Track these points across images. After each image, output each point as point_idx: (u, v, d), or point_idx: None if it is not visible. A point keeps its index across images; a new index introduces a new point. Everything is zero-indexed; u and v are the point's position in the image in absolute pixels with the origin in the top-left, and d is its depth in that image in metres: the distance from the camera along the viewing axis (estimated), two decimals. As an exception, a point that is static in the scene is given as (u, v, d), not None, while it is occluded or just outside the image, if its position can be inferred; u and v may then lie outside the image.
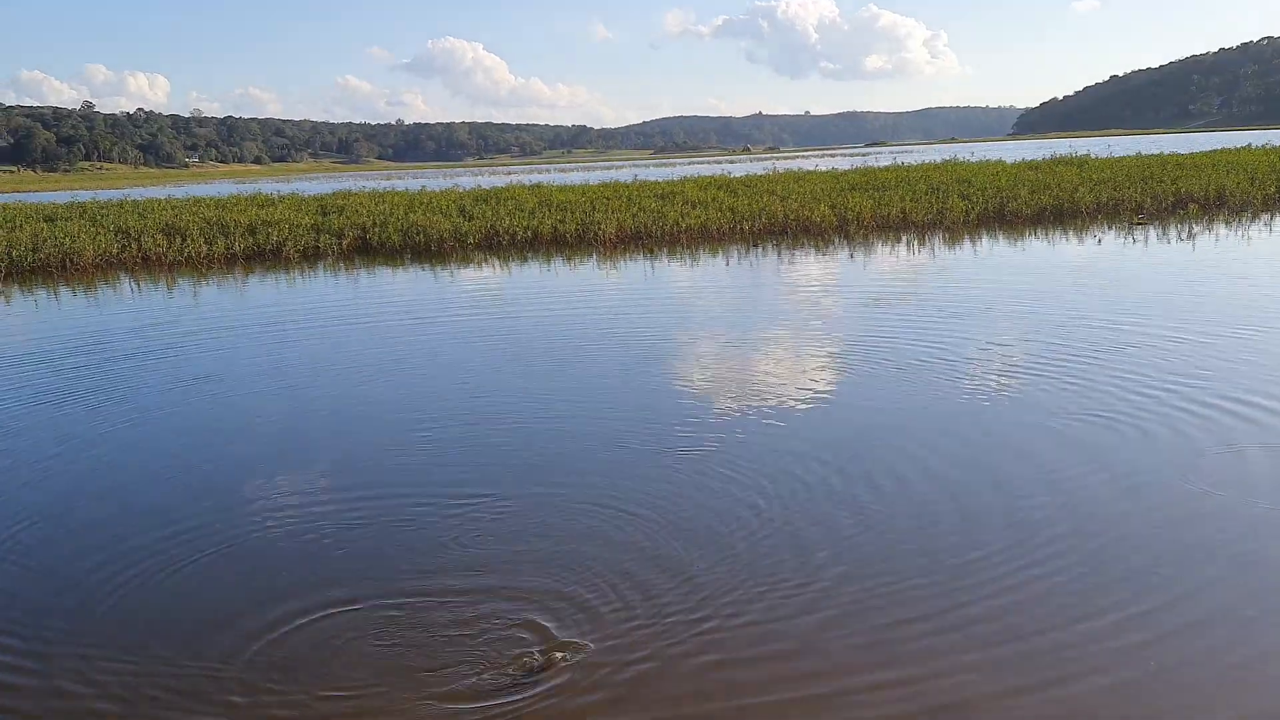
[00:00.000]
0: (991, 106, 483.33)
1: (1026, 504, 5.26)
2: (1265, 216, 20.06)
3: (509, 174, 55.73)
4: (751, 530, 5.06)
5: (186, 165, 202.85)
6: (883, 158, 43.16)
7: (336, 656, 4.01)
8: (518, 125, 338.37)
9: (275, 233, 20.95)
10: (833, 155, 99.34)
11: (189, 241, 20.30)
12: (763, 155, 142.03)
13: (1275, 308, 10.57)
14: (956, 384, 7.85)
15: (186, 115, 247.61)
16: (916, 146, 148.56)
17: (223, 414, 8.11)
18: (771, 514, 5.26)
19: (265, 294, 15.65)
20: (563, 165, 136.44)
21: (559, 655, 3.91)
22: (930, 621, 4.06)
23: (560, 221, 21.78)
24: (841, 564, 4.63)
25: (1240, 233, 17.85)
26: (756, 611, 4.20)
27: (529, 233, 21.39)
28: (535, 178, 36.96)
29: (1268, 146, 33.57)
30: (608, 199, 24.66)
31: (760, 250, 18.76)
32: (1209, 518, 4.97)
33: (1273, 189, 22.34)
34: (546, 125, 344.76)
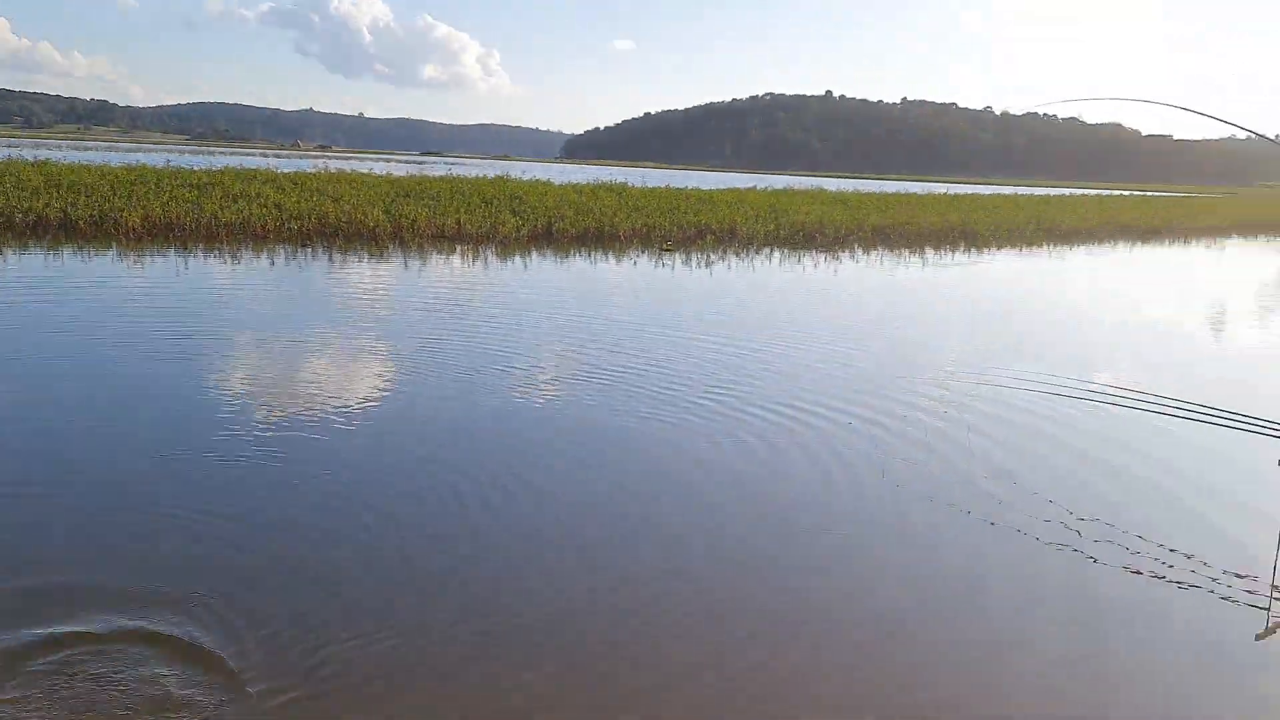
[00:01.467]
0: (542, 129, 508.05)
1: (595, 503, 5.45)
2: (767, 250, 23.08)
3: (9, 147, 47.85)
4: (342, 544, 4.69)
5: None
6: (438, 168, 43.53)
7: None
8: (21, 93, 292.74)
9: None
10: (388, 160, 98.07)
11: None
12: (314, 153, 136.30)
13: (789, 324, 12.12)
14: (514, 391, 8.00)
15: None
16: (471, 160, 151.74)
17: None
18: (349, 526, 4.93)
19: None
20: (78, 142, 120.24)
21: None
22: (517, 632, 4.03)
23: (71, 205, 19.09)
24: (433, 574, 4.45)
25: (748, 262, 20.38)
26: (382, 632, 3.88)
27: (32, 216, 18.49)
28: (44, 154, 32.08)
29: (769, 189, 38.77)
30: (133, 184, 22.07)
31: (310, 252, 17.89)
32: (725, 503, 5.50)
33: (772, 226, 25.78)
34: (59, 96, 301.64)
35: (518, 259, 18.84)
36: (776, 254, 22.32)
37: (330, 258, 17.33)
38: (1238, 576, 4.86)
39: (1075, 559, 5.05)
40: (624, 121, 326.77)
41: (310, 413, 7.17)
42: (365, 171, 33.56)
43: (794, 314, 13.69)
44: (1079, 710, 3.76)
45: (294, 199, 22.25)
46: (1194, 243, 33.95)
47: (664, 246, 22.15)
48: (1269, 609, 4.55)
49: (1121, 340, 12.95)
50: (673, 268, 18.73)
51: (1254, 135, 5.63)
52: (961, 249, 26.33)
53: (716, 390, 8.44)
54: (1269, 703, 3.87)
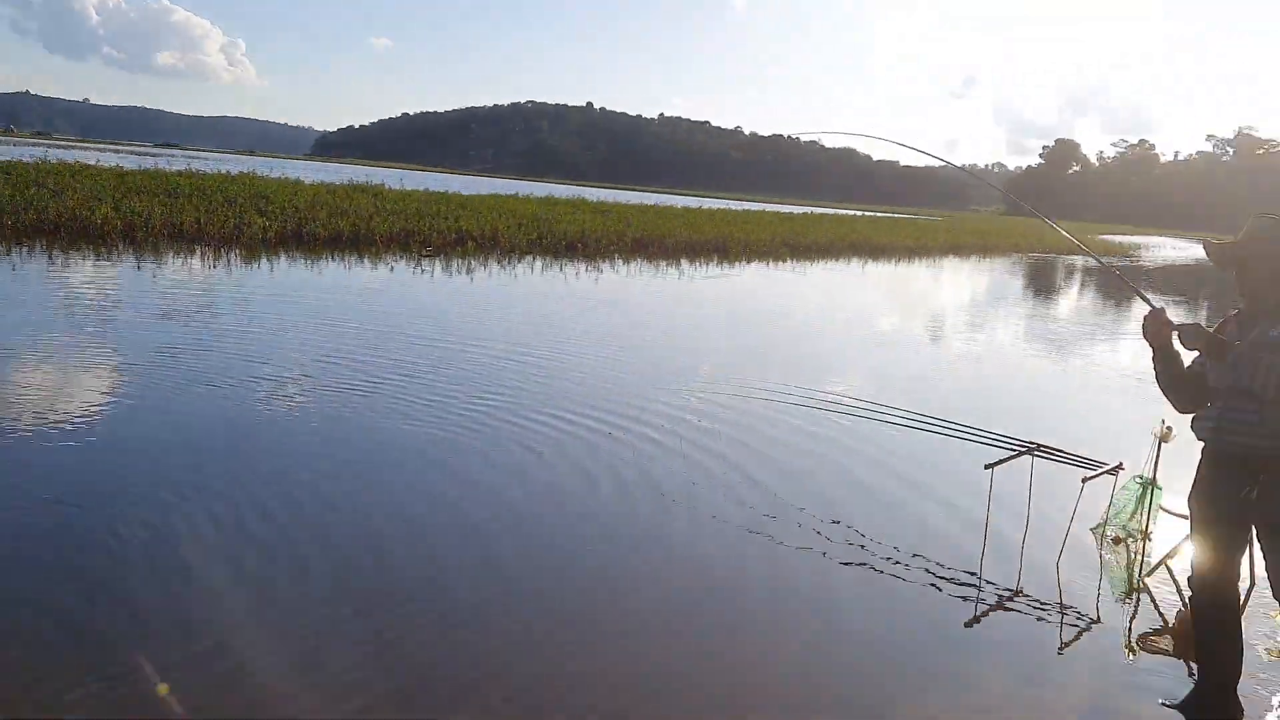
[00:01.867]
0: (291, 124, 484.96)
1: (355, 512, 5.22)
2: (529, 258, 23.13)
3: None
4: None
5: None
6: (176, 161, 40.50)
7: None
8: None
9: None
10: (118, 150, 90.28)
11: None
12: (30, 140, 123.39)
13: (552, 333, 12.14)
14: (264, 402, 7.55)
15: None
16: (212, 154, 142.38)
17: None
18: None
19: None
20: None
21: None
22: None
23: None
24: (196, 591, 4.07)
25: (510, 270, 20.34)
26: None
27: None
28: None
29: (531, 196, 38.93)
30: None
31: (25, 251, 16.17)
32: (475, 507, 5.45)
33: (535, 235, 25.84)
34: None
35: (265, 262, 17.87)
36: (539, 262, 22.42)
37: (50, 258, 15.74)
38: (952, 570, 5.34)
39: (817, 559, 5.37)
40: (381, 121, 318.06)
41: (14, 431, 6.47)
42: (92, 163, 30.76)
43: (556, 323, 13.79)
44: (817, 693, 4.04)
45: (6, 191, 20.03)
46: (916, 261, 37.12)
47: (423, 252, 21.71)
48: (977, 598, 5.03)
49: (855, 351, 13.96)
50: (432, 274, 18.39)
51: (951, 164, 6.22)
52: (715, 261, 27.48)
53: (480, 400, 8.35)
54: (976, 680, 4.27)
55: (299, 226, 21.81)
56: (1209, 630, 3.81)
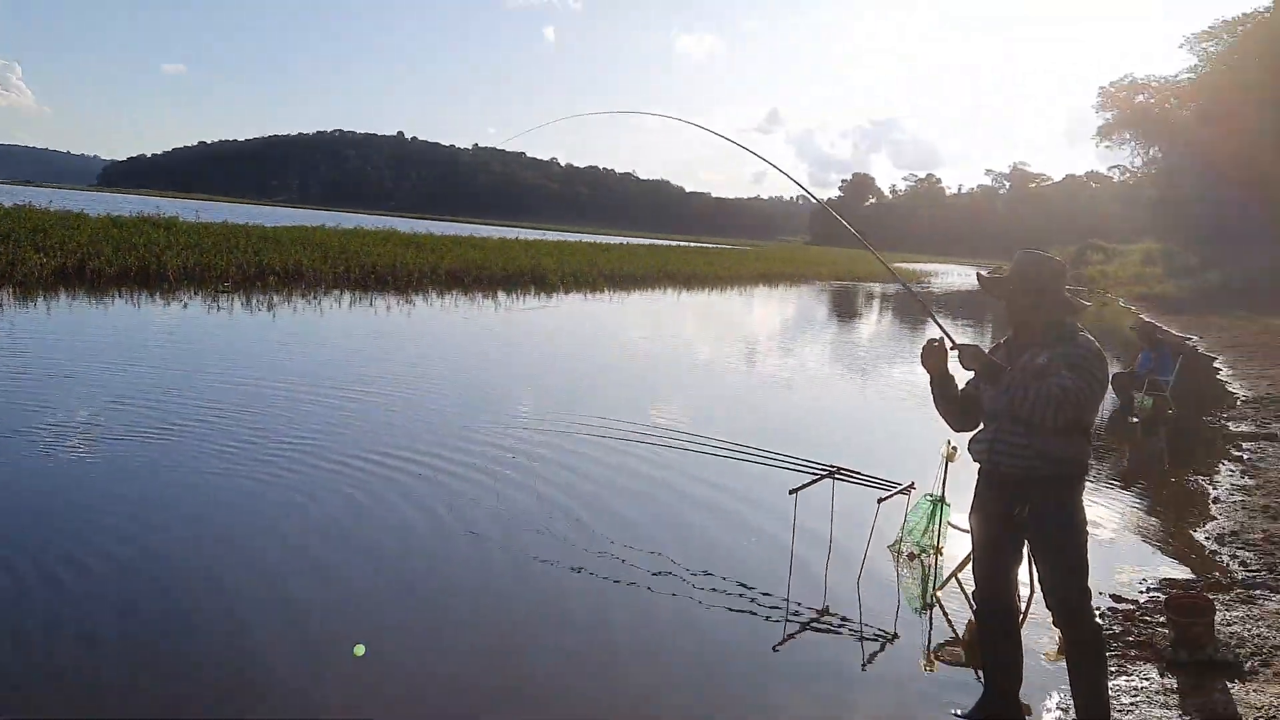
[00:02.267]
0: (75, 153, 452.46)
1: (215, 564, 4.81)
2: (336, 291, 22.38)
3: None
4: None
5: None
6: (-62, 191, 36.87)
7: None
8: None
9: None
10: None
11: None
12: None
13: (362, 371, 11.71)
14: (48, 452, 6.91)
15: None
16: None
17: None
18: None
19: None
20: None
21: None
22: None
23: None
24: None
25: (316, 305, 19.61)
26: None
27: None
28: None
29: (339, 228, 37.63)
30: None
31: None
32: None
33: (342, 268, 25.02)
34: None
35: (41, 301, 16.52)
36: (347, 297, 21.72)
37: None
38: (762, 595, 5.47)
39: (634, 592, 5.39)
40: (175, 150, 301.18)
41: None
42: None
43: (364, 360, 13.36)
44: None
45: None
46: (729, 290, 38.32)
47: (220, 288, 20.62)
48: (785, 621, 5.17)
49: (671, 382, 14.20)
50: (231, 311, 17.50)
51: (755, 153, 6.43)
52: (532, 293, 27.46)
53: (285, 444, 7.95)
54: (784, 700, 4.37)
55: (81, 262, 20.26)
56: (990, 640, 4.05)
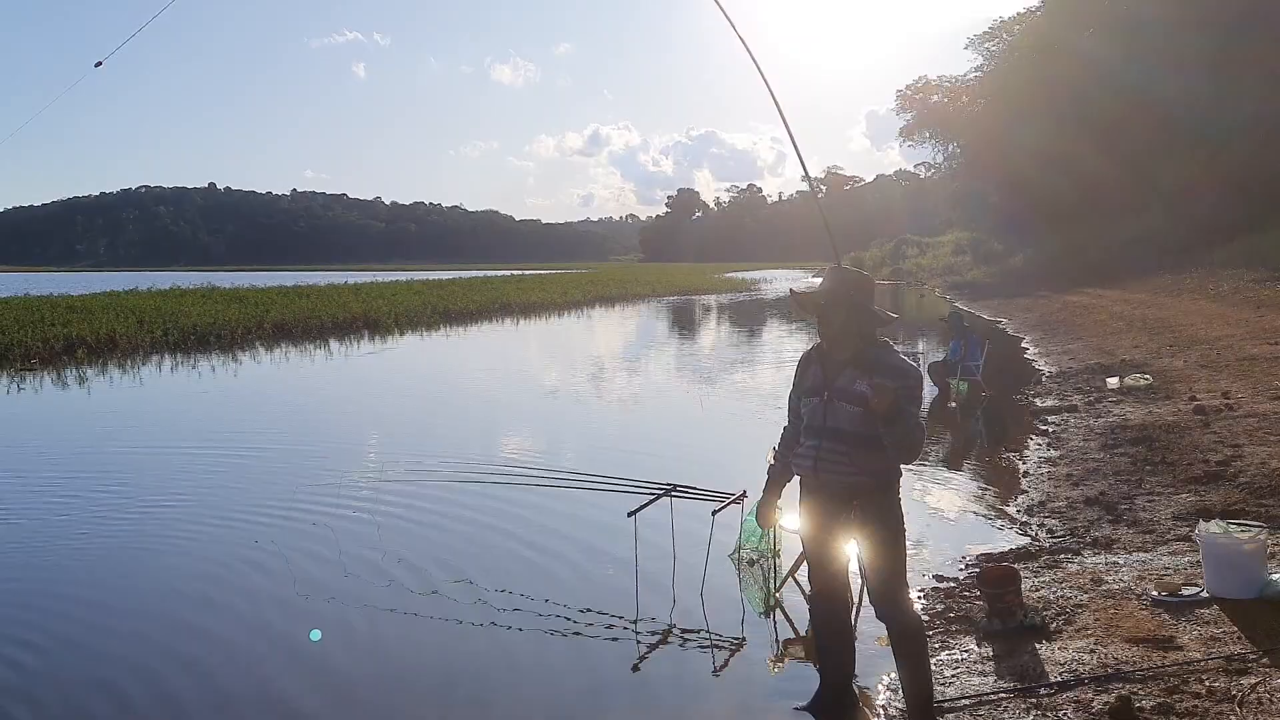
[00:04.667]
0: None
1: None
2: (156, 357, 21.31)
3: None
4: None
5: None
6: None
7: None
8: None
9: None
10: None
11: None
12: None
13: (188, 436, 11.21)
14: None
15: None
16: None
17: None
18: None
19: None
20: None
21: None
22: None
23: None
24: None
25: (134, 374, 18.63)
26: None
27: None
28: None
29: (153, 289, 35.83)
30: None
31: None
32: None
33: (159, 332, 23.83)
34: None
35: None
36: (168, 361, 20.71)
37: None
38: (614, 618, 5.59)
39: (488, 631, 5.43)
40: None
41: None
42: None
43: (192, 424, 12.82)
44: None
45: None
46: (567, 315, 38.51)
47: (26, 366, 19.29)
48: (636, 641, 5.31)
49: (510, 416, 14.18)
50: (39, 389, 16.44)
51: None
52: (366, 338, 26.88)
53: (111, 517, 7.58)
54: (648, 716, 4.51)
55: None
56: (823, 634, 4.29)
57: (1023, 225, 49.96)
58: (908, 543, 4.10)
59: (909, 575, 4.13)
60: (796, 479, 4.20)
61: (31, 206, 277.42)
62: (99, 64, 6.59)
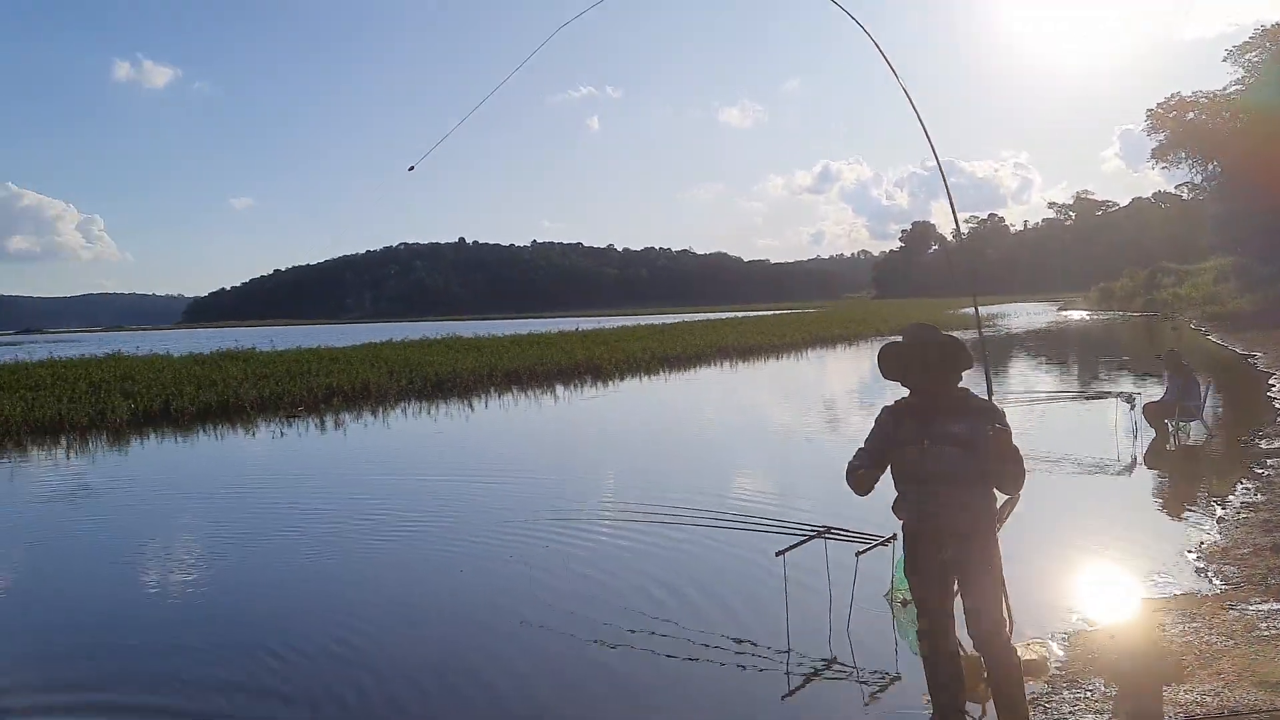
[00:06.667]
0: (160, 294, 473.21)
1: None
2: (403, 405, 23.48)
3: None
4: None
5: None
6: (38, 349, 39.69)
7: None
8: None
9: None
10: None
11: None
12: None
13: (414, 478, 12.55)
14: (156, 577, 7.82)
15: None
16: (78, 334, 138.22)
17: None
18: None
19: None
20: None
21: None
22: None
23: None
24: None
25: (381, 419, 20.69)
26: None
27: None
28: None
29: (406, 341, 39.25)
30: None
31: None
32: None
33: (405, 381, 26.20)
34: None
35: (133, 443, 17.86)
36: (410, 408, 22.80)
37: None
38: (766, 649, 6.00)
39: (662, 662, 5.98)
40: (253, 280, 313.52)
41: None
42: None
43: (421, 466, 14.24)
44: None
45: None
46: (785, 358, 38.69)
47: (290, 413, 21.81)
48: (788, 672, 5.69)
49: (708, 459, 14.71)
50: (303, 434, 18.62)
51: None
52: (589, 383, 28.29)
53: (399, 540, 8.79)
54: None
55: (165, 403, 21.69)
56: (934, 670, 4.54)
57: (1294, 248, 45.48)
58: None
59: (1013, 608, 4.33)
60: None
61: (308, 265, 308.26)
62: (411, 168, 7.37)
